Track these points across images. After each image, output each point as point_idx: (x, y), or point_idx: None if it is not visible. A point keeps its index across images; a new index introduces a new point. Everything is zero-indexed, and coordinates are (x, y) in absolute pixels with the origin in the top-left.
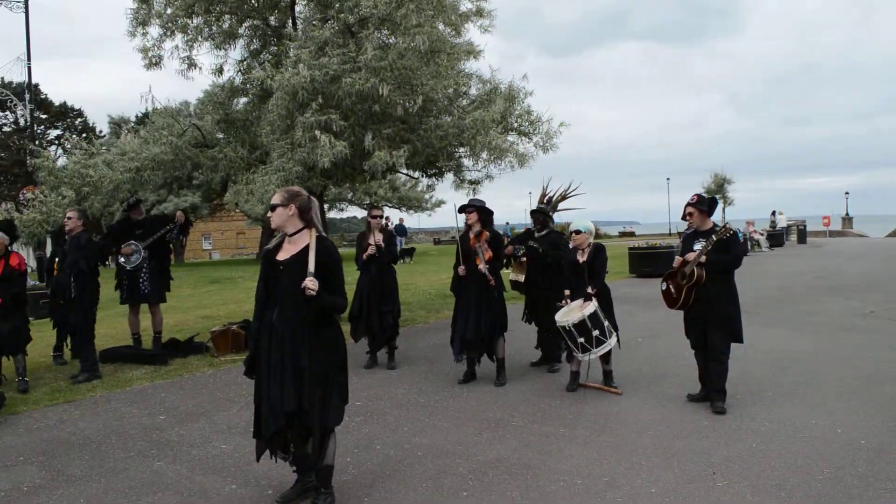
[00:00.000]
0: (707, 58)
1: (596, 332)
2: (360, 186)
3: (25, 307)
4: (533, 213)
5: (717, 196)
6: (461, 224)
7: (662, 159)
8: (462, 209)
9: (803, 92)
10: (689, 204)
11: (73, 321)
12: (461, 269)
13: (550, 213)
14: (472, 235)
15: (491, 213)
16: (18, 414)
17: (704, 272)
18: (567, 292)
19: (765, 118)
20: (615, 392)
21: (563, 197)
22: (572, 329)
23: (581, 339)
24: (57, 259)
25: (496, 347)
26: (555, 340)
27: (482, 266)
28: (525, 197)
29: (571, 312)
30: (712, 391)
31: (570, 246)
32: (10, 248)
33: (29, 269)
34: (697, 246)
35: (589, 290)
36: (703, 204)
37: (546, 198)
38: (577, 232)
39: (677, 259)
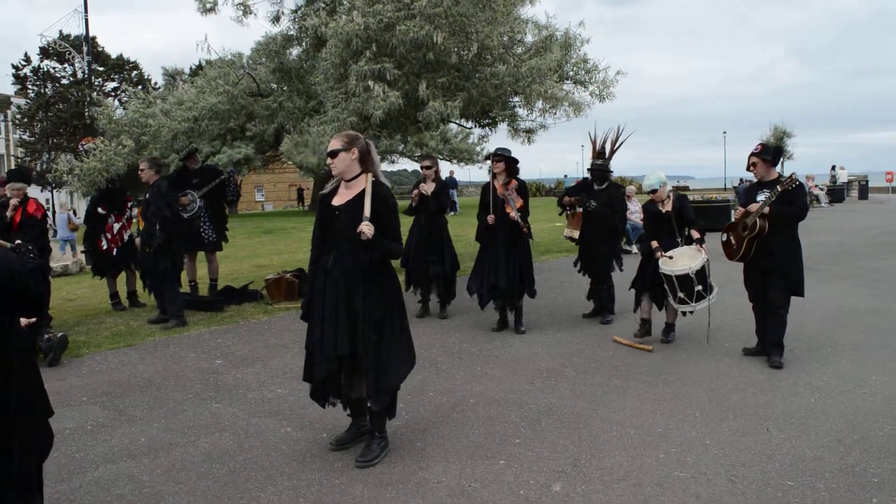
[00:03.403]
0: (773, 5)
1: (699, 288)
2: (412, 138)
3: (45, 255)
4: (591, 170)
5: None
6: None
7: (721, 113)
8: (489, 157)
9: (874, 41)
10: (752, 154)
11: (161, 267)
12: (490, 217)
13: (608, 168)
14: (499, 184)
15: (517, 161)
16: (81, 357)
17: (767, 223)
18: (654, 244)
19: (832, 70)
20: (646, 349)
21: (614, 144)
22: (675, 280)
23: (681, 294)
24: (139, 209)
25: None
26: (607, 293)
27: (514, 214)
28: (578, 151)
29: (680, 260)
30: (769, 345)
31: (653, 202)
32: (27, 195)
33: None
34: (761, 197)
35: (695, 234)
36: (768, 153)
37: (599, 148)
38: (654, 191)
39: (739, 210)
